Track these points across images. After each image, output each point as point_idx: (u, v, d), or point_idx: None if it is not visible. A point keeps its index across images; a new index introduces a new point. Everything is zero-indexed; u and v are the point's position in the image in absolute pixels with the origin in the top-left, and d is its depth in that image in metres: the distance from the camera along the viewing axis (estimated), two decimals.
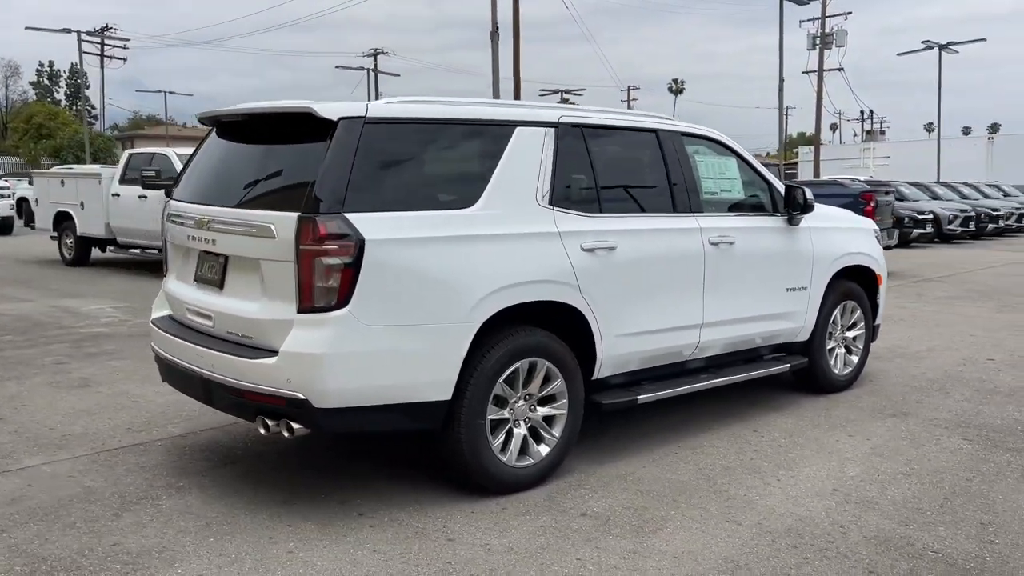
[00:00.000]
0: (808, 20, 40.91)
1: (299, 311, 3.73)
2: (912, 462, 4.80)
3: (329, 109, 3.82)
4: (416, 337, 3.87)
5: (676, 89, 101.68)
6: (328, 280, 3.66)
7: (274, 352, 3.78)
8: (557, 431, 4.42)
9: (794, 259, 5.75)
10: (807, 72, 41.85)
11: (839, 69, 44.43)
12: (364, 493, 4.27)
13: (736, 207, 5.58)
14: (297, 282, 3.71)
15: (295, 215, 3.70)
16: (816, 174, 37.31)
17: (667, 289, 4.91)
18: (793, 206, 5.65)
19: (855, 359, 6.43)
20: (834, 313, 6.15)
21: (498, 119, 4.36)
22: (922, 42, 38.21)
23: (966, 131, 60.46)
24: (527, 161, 4.35)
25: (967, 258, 18.39)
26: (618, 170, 4.93)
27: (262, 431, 3.89)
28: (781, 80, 36.42)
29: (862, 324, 6.45)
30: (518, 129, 4.36)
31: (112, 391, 6.29)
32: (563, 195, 4.45)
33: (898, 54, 57.49)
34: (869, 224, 6.63)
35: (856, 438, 5.25)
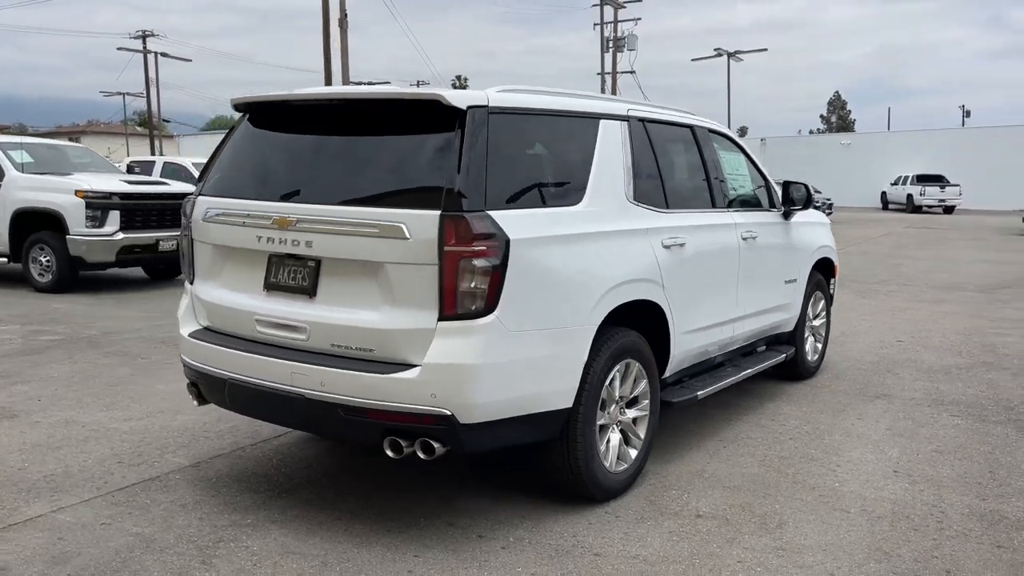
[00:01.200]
0: (599, 23, 43.06)
1: (441, 319, 3.38)
2: (932, 440, 5.15)
3: (457, 97, 3.49)
4: (551, 342, 3.64)
5: (459, 86, 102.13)
6: (475, 284, 3.35)
7: (406, 365, 3.41)
8: (642, 433, 4.32)
9: (791, 252, 6.00)
10: (601, 74, 43.96)
11: (631, 72, 46.90)
12: (462, 513, 3.96)
13: (748, 203, 5.72)
14: (439, 287, 3.36)
15: (435, 213, 3.35)
16: None
17: (718, 285, 4.96)
18: (792, 202, 5.89)
19: (819, 346, 6.81)
20: (807, 303, 6.48)
21: (589, 111, 4.18)
22: (714, 49, 41.25)
23: (742, 132, 66.23)
24: (615, 156, 4.22)
25: None
26: (673, 166, 4.90)
27: (391, 454, 3.48)
28: (608, 75, 37.84)
29: (824, 313, 6.85)
30: (603, 122, 4.22)
31: (53, 420, 5.41)
32: (640, 191, 4.36)
33: (692, 59, 61.29)
34: (825, 219, 7.04)
35: (865, 421, 5.55)
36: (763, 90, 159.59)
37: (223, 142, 4.22)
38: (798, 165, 43.38)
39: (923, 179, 41.42)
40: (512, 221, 3.47)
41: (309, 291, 3.69)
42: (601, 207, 4.02)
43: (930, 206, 40.24)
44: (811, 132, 69.13)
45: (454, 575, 3.37)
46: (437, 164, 3.47)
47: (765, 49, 40.68)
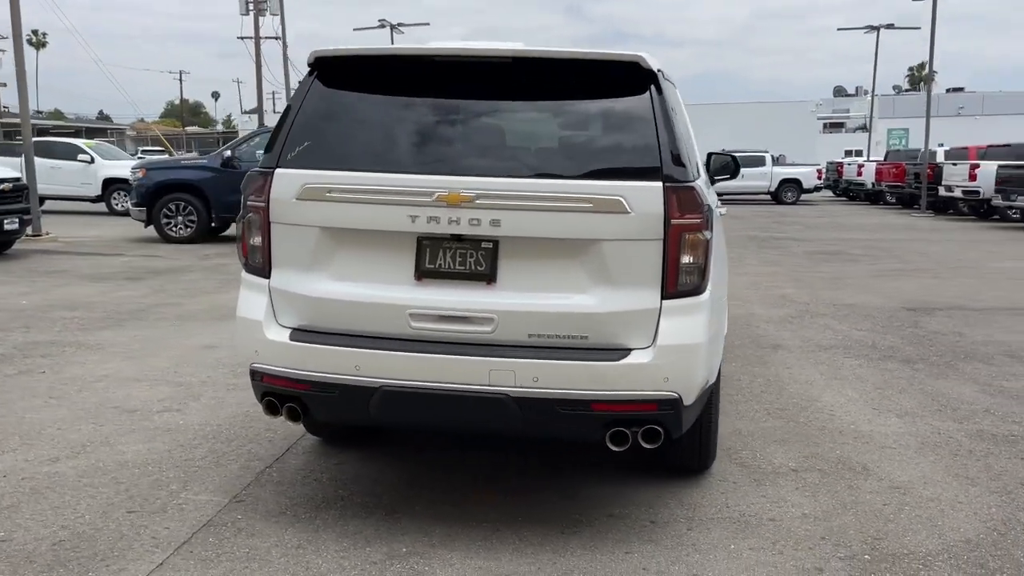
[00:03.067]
0: None
1: (664, 297, 3.17)
2: (872, 380, 5.90)
3: (650, 60, 3.25)
4: (722, 314, 3.60)
5: (37, 43, 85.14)
6: (695, 258, 3.19)
7: (625, 350, 3.15)
8: None
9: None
10: (243, 38, 41.60)
11: (276, 38, 44.73)
12: (617, 504, 3.77)
13: None
14: (663, 264, 3.14)
15: (657, 184, 3.11)
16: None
17: (720, 259, 5.14)
18: (719, 171, 6.22)
19: None
20: None
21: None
22: (378, 20, 40.91)
23: None
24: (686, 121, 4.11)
25: None
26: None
27: (613, 447, 3.19)
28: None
29: None
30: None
31: (94, 399, 4.08)
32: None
33: (354, 29, 59.46)
34: None
35: (794, 370, 6.18)
36: None
37: (298, 104, 3.46)
38: None
39: None
40: (704, 189, 3.35)
41: (487, 276, 3.21)
42: (704, 177, 4.00)
43: None
44: None
45: (684, 563, 3.23)
46: (633, 131, 3.22)
47: (427, 23, 40.92)
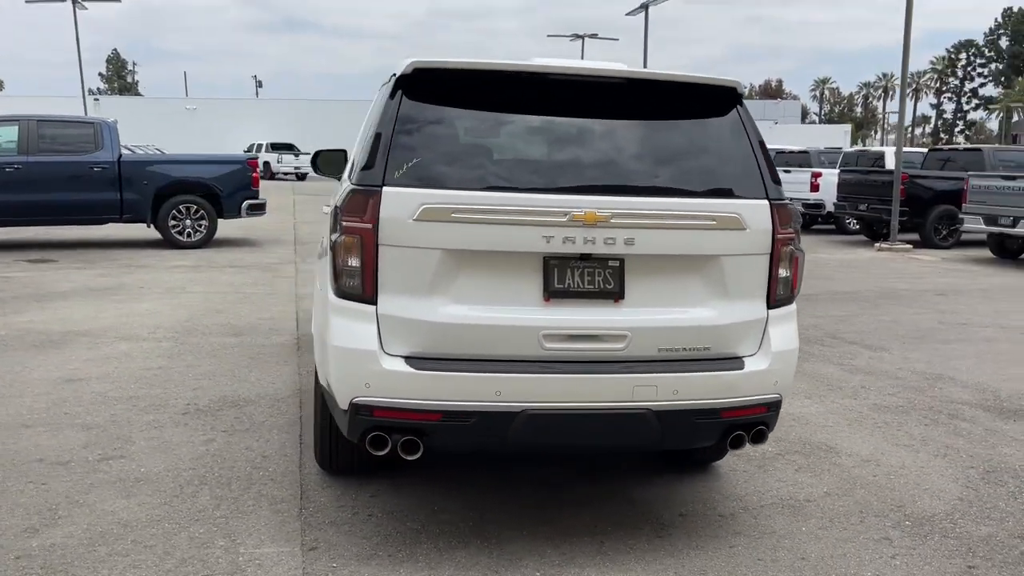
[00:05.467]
0: None
1: (769, 307, 3.44)
2: None
3: (741, 85, 3.48)
4: None
5: None
6: (789, 271, 3.49)
7: (738, 359, 3.38)
8: None
9: None
10: None
11: None
12: (676, 504, 3.96)
13: None
14: (768, 276, 3.41)
15: (764, 202, 3.37)
16: None
17: None
18: None
19: None
20: None
21: None
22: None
23: None
24: None
25: None
26: None
27: (731, 450, 3.40)
28: None
29: None
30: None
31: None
32: None
33: None
34: None
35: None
36: None
37: (392, 116, 3.22)
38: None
39: (277, 147, 43.88)
40: None
41: (615, 294, 3.25)
42: None
43: (286, 173, 42.94)
44: (92, 92, 63.33)
45: (784, 549, 3.52)
46: (735, 151, 3.44)
47: None
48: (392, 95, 3.29)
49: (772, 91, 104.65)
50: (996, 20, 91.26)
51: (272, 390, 5.57)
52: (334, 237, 3.22)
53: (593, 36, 42.01)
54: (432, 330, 3.17)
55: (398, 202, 3.12)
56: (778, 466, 4.48)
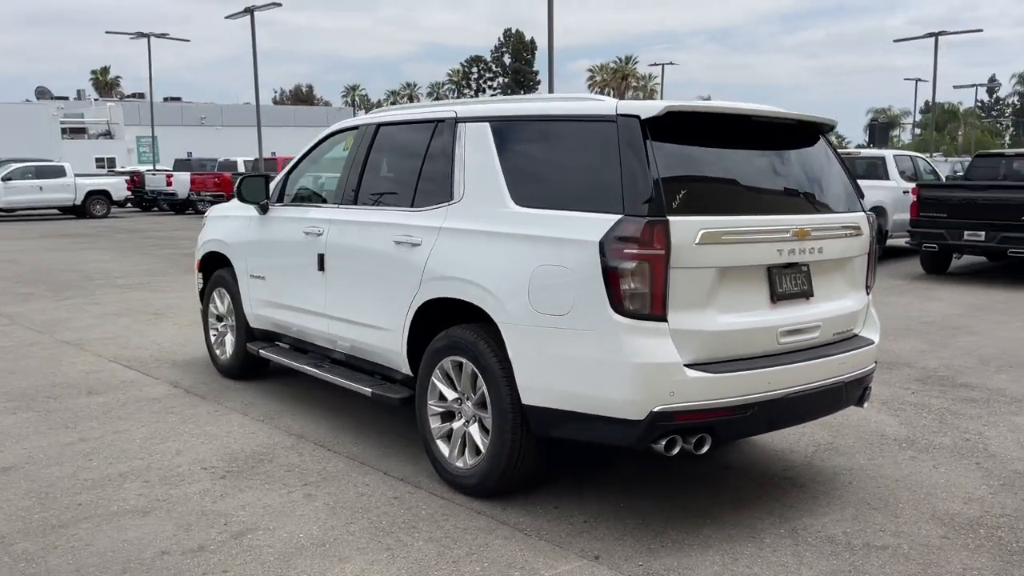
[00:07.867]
0: None
1: (867, 294, 4.44)
2: None
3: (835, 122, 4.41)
4: None
5: None
6: (874, 264, 4.51)
7: (859, 336, 4.34)
8: None
9: None
10: None
11: None
12: (716, 519, 4.40)
13: None
14: (867, 269, 4.41)
15: (863, 213, 4.36)
16: None
17: None
18: None
19: None
20: None
21: None
22: None
23: None
24: None
25: None
26: None
27: (864, 406, 4.43)
28: None
29: None
30: None
31: None
32: None
33: None
34: None
35: None
36: None
37: (641, 154, 3.58)
38: None
39: None
40: None
41: (808, 293, 4.02)
42: None
43: None
44: None
45: (886, 532, 4.10)
46: (835, 171, 4.39)
47: None
48: (631, 134, 3.64)
49: (304, 96, 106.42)
50: (499, 39, 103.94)
51: None
52: (616, 264, 3.50)
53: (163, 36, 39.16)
54: (709, 338, 3.66)
55: (683, 229, 3.53)
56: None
